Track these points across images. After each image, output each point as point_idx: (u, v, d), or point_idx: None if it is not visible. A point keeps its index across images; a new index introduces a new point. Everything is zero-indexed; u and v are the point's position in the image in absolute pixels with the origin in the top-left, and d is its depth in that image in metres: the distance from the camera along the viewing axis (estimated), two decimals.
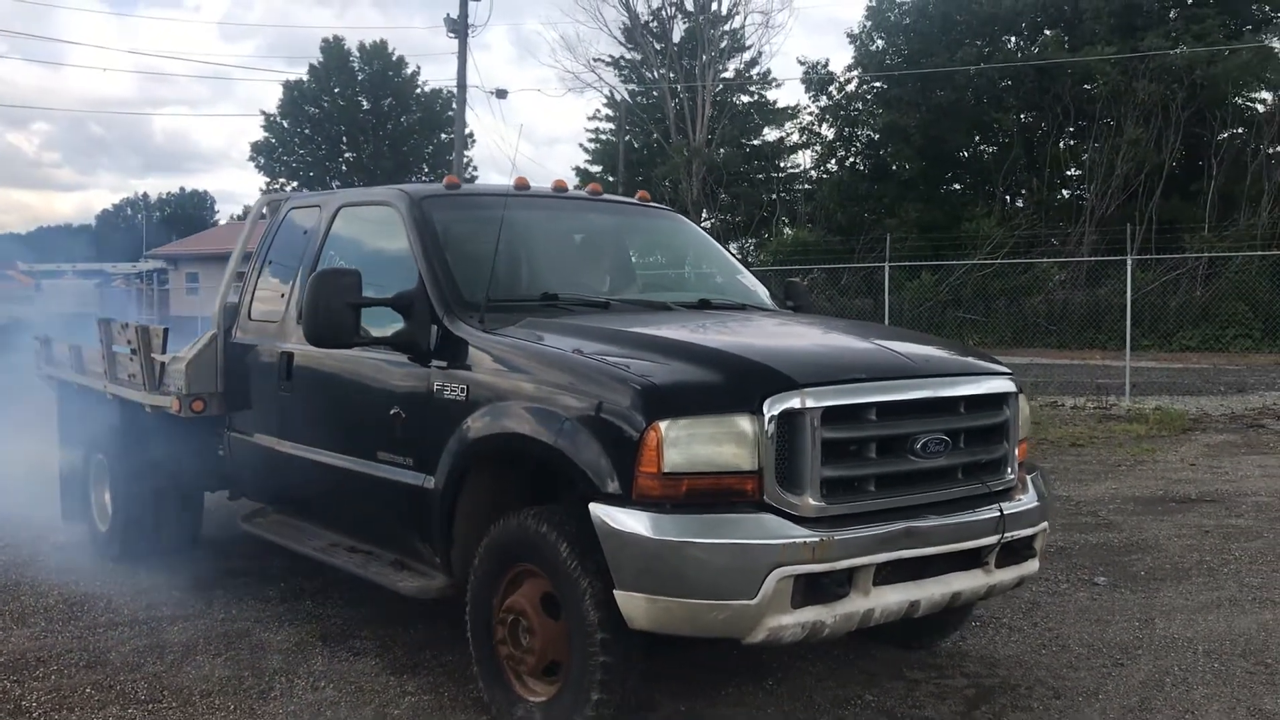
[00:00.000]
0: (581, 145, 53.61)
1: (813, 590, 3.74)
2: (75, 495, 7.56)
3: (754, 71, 47.17)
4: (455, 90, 33.15)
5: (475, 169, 66.45)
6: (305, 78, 67.66)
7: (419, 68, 70.89)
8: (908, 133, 38.98)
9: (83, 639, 5.37)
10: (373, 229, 5.64)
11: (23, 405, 9.47)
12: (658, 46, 46.22)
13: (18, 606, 5.92)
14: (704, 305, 5.46)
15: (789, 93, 74.75)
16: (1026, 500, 4.42)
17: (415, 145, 69.53)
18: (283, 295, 5.92)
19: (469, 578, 4.41)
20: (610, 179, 49.07)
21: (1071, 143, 38.13)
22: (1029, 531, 4.35)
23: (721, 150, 44.47)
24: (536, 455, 4.21)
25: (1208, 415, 14.40)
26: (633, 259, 6.44)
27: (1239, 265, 27.32)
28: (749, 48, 46.59)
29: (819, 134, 44.71)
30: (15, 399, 9.83)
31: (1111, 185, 33.56)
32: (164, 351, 6.52)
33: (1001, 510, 4.19)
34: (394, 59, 68.84)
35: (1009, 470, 4.39)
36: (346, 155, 68.97)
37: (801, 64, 43.29)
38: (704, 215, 44.10)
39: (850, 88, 42.70)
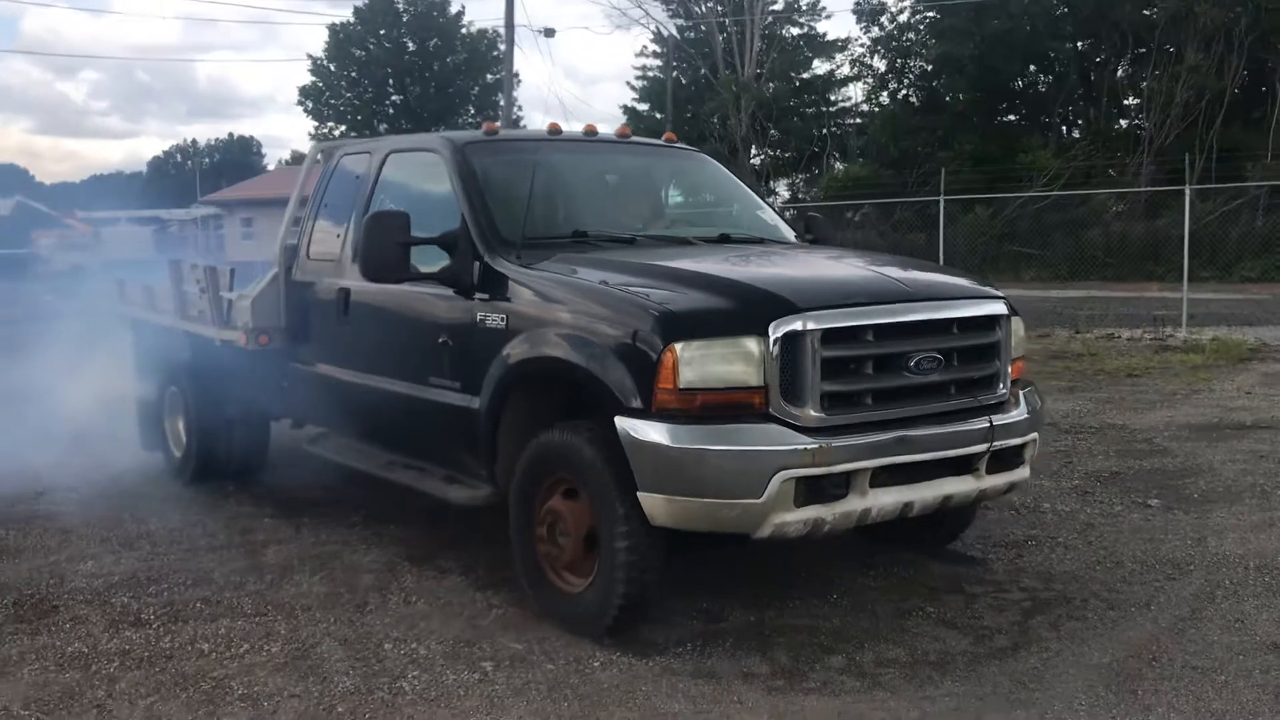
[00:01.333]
0: (628, 83, 53.23)
1: (814, 491, 4.23)
2: (152, 426, 8.08)
3: (803, 2, 46.54)
4: (501, 30, 33.18)
5: (521, 109, 66.41)
6: (351, 20, 67.72)
7: (464, 7, 70.81)
8: (961, 63, 38.43)
9: (186, 561, 5.74)
10: (419, 173, 6.04)
11: (95, 348, 9.77)
12: None
13: (122, 533, 6.30)
14: (724, 239, 5.87)
15: (839, 24, 74.06)
16: (1016, 413, 4.86)
17: (461, 87, 69.47)
18: (338, 236, 6.34)
19: (511, 487, 4.92)
20: (658, 116, 48.85)
21: (1130, 70, 37.39)
22: (1018, 441, 4.81)
23: (771, 85, 44.09)
24: (569, 376, 4.67)
25: (1266, 345, 14.33)
26: (661, 196, 6.87)
27: None
28: None
29: (870, 66, 44.20)
30: (87, 342, 10.15)
31: (1171, 114, 32.94)
32: (231, 290, 7.00)
33: (991, 422, 4.66)
34: None
35: (1000, 386, 4.82)
36: (393, 98, 69.10)
37: None
38: (753, 151, 43.90)
39: (902, 18, 42.10)
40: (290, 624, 4.81)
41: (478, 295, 5.12)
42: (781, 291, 4.41)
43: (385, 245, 5.15)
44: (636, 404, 4.28)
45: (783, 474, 4.13)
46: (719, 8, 44.94)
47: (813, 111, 45.90)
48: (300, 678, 4.24)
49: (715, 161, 7.16)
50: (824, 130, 43.52)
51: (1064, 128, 40.71)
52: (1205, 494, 6.86)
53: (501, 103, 64.82)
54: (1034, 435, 4.99)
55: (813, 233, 6.53)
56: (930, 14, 40.59)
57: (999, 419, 4.70)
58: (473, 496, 5.29)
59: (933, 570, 5.45)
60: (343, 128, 69.07)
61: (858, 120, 44.81)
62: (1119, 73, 37.64)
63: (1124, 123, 38.58)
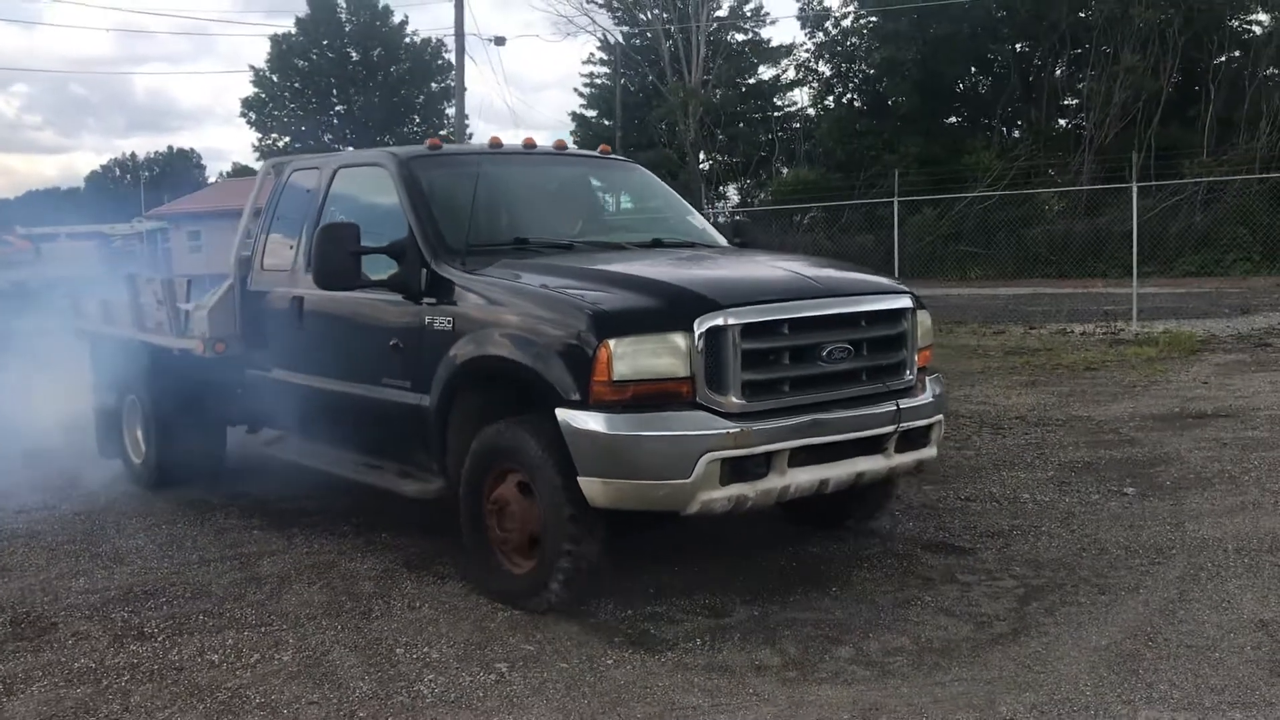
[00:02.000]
0: (576, 90, 53.35)
1: (737, 471, 4.63)
2: (111, 434, 8.28)
3: (748, 9, 46.92)
4: (444, 39, 33.07)
5: (468, 118, 66.14)
6: (293, 30, 67.14)
7: (407, 16, 70.45)
8: (904, 67, 38.92)
9: (181, 574, 5.70)
10: (367, 187, 6.37)
11: (52, 365, 9.70)
12: None
13: (110, 548, 6.24)
14: (656, 244, 6.29)
15: (784, 30, 74.59)
16: (923, 398, 5.29)
17: (406, 96, 69.07)
18: (291, 247, 6.65)
19: (460, 479, 5.27)
20: (607, 123, 48.99)
21: (1068, 72, 38.13)
22: (923, 423, 5.25)
23: (718, 91, 44.38)
24: (512, 373, 5.02)
25: (1215, 337, 14.72)
26: (597, 204, 7.24)
27: (1238, 189, 27.55)
28: None
29: (816, 71, 44.64)
30: (43, 360, 10.05)
31: (1109, 114, 33.61)
32: (187, 301, 7.29)
33: (898, 405, 5.09)
34: (380, 8, 68.23)
35: (907, 373, 5.26)
36: (338, 108, 68.57)
37: (796, 1, 43.09)
38: (702, 157, 44.14)
39: (846, 23, 42.56)
40: (298, 633, 4.81)
41: (425, 300, 5.46)
42: (705, 291, 4.81)
43: (337, 255, 5.48)
44: (575, 396, 4.64)
45: (708, 456, 4.53)
46: (664, 15, 45.15)
47: (760, 117, 46.21)
48: (316, 685, 4.25)
49: (648, 171, 7.53)
50: (771, 135, 43.89)
51: (1005, 129, 41.35)
52: (1177, 481, 7.06)
53: (450, 111, 64.70)
54: (939, 418, 5.41)
55: (741, 236, 7.10)
56: (873, 19, 41.09)
57: (906, 403, 5.13)
58: (424, 489, 5.63)
59: (925, 561, 5.58)
60: (286, 139, 68.39)
61: (802, 125, 45.22)
62: (1058, 73, 38.35)
63: (1064, 123, 39.31)
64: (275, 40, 67.12)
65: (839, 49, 43.05)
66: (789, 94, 46.71)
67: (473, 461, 5.17)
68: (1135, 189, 17.75)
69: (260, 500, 7.24)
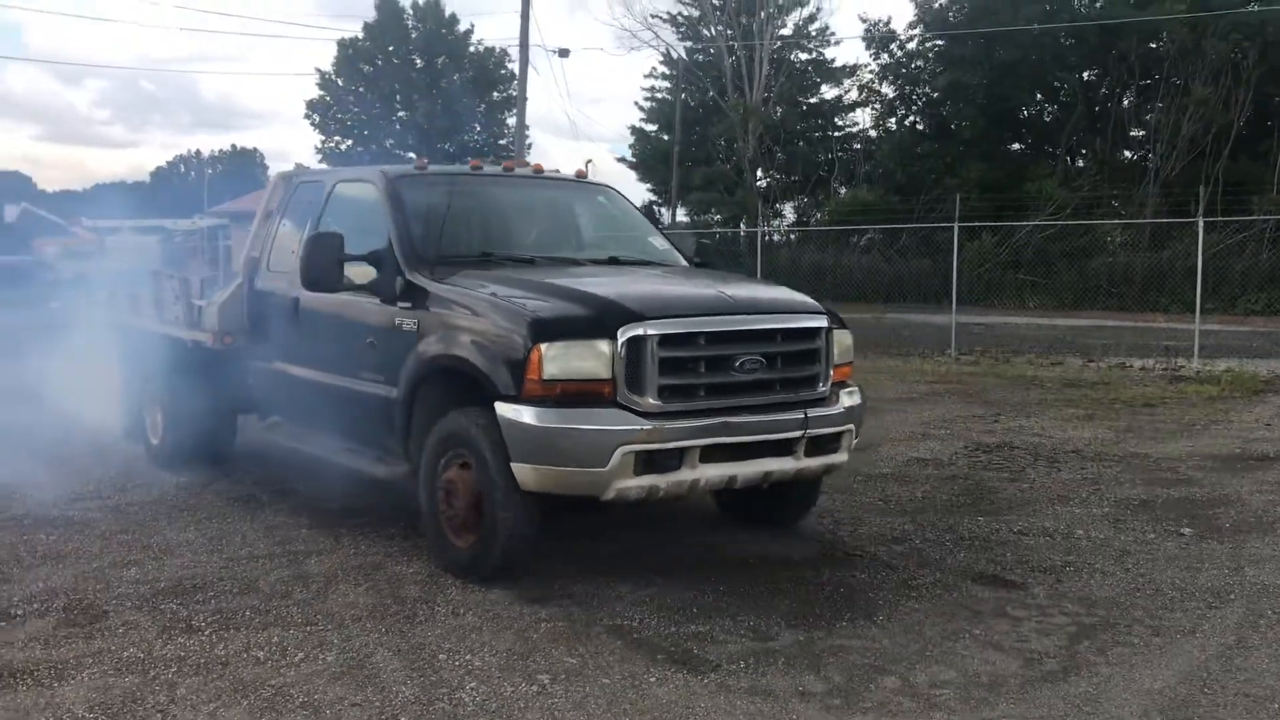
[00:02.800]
0: (637, 104, 53.54)
1: (650, 463, 5.17)
2: (134, 418, 8.90)
3: (813, 28, 46.83)
4: (509, 49, 33.30)
5: (527, 129, 66.58)
6: (360, 35, 68.00)
7: (473, 25, 71.02)
8: (969, 91, 38.70)
9: (230, 569, 5.76)
10: (360, 200, 6.98)
11: (105, 355, 9.84)
12: (716, 2, 45.96)
13: (161, 540, 6.32)
14: (612, 261, 6.84)
15: (848, 50, 74.41)
16: (833, 409, 5.81)
17: (468, 105, 69.63)
18: (293, 252, 7.04)
19: (420, 463, 5.82)
20: (665, 138, 49.07)
21: (1136, 102, 37.64)
22: (832, 430, 5.74)
23: (779, 109, 44.30)
24: (463, 370, 5.60)
25: (1279, 377, 14.41)
26: (566, 224, 7.66)
27: None
28: (807, 3, 46.22)
29: (879, 92, 44.43)
30: (96, 350, 10.21)
31: (1177, 146, 33.14)
32: (201, 297, 8.00)
33: (806, 414, 5.58)
34: (447, 16, 68.94)
35: (820, 385, 5.78)
36: (400, 114, 69.27)
37: (863, 21, 43.05)
38: (759, 174, 44.08)
39: (911, 46, 42.35)
40: (342, 634, 4.83)
41: (400, 304, 6.06)
42: (629, 304, 5.36)
43: (322, 261, 6.16)
44: (511, 392, 5.24)
45: (623, 448, 5.08)
46: (728, 31, 45.19)
47: (819, 136, 46.11)
48: (359, 687, 4.26)
49: (621, 195, 8.02)
50: (831, 155, 43.74)
51: (1069, 158, 40.93)
52: (1237, 524, 6.89)
53: (510, 121, 65.18)
54: (849, 427, 5.89)
55: (700, 256, 7.73)
56: (939, 43, 40.88)
57: (814, 412, 5.63)
58: (393, 472, 6.26)
59: (975, 594, 5.49)
60: (349, 142, 69.25)
61: (860, 146, 45.02)
62: (1125, 104, 37.88)
63: (1129, 154, 38.83)
64: (342, 45, 67.98)
65: (903, 71, 42.87)
66: (850, 114, 46.55)
67: (430, 448, 5.76)
68: (1201, 224, 17.44)
69: (309, 499, 7.30)
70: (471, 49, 69.44)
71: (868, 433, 10.04)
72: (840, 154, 43.98)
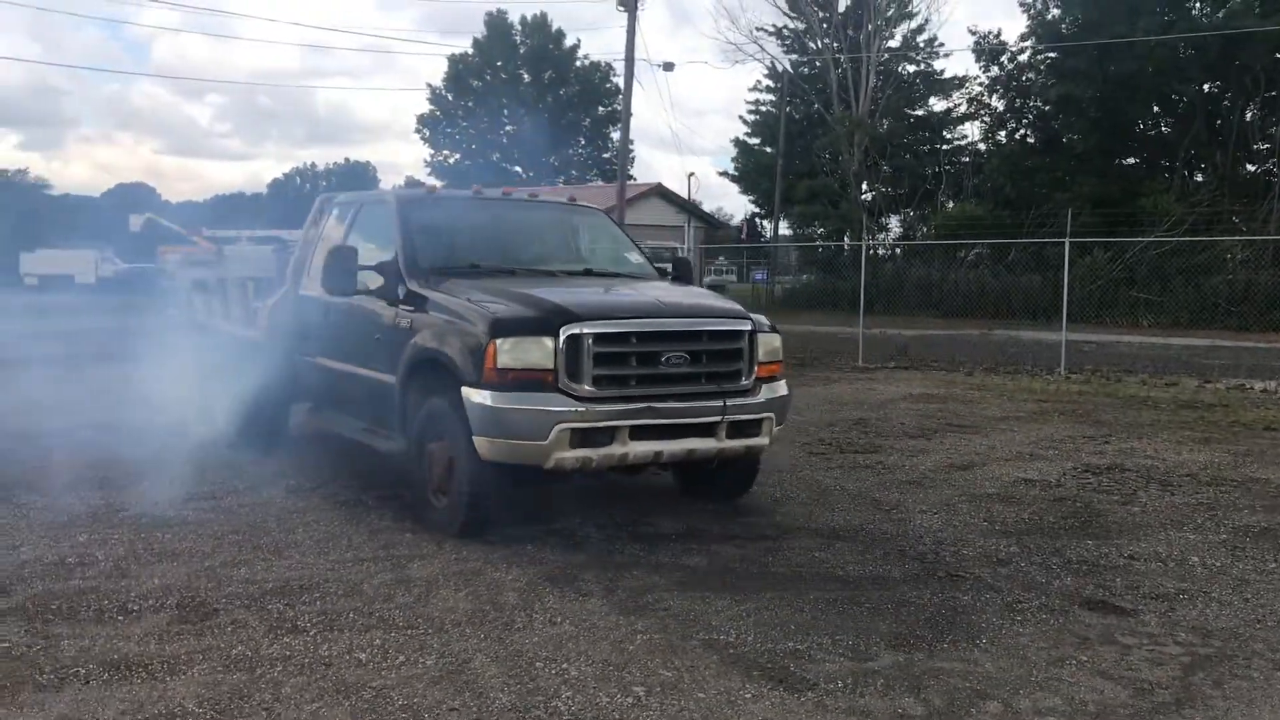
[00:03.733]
0: (741, 117, 53.42)
1: (584, 439, 6.20)
2: (208, 406, 9.89)
3: (920, 40, 46.28)
4: (614, 63, 33.52)
5: (632, 142, 66.86)
6: (469, 51, 69.20)
7: (579, 40, 71.72)
8: (1082, 104, 37.75)
9: (335, 571, 5.89)
10: (380, 219, 8.09)
11: (217, 360, 10.15)
12: (822, 15, 45.73)
13: (270, 541, 6.49)
14: (586, 272, 7.93)
15: (956, 62, 73.35)
16: (753, 399, 6.77)
17: (573, 119, 70.35)
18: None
19: (412, 438, 6.96)
20: (769, 150, 48.92)
21: (1260, 115, 36.28)
22: (750, 417, 6.71)
23: (885, 121, 43.82)
24: (440, 361, 6.62)
25: None
26: (553, 241, 8.60)
27: None
28: (915, 15, 45.72)
29: (988, 105, 43.62)
30: (208, 354, 10.55)
31: None
32: (255, 300, 9.34)
33: (725, 402, 6.56)
34: (553, 31, 69.75)
35: (742, 379, 6.75)
36: (507, 128, 70.27)
37: (972, 34, 42.27)
38: (864, 187, 43.62)
39: (1023, 58, 41.52)
40: (441, 639, 4.90)
41: (401, 307, 7.15)
42: (571, 308, 6.39)
43: (339, 269, 7.42)
44: (474, 378, 6.27)
45: (560, 425, 6.11)
46: (835, 44, 44.89)
47: (926, 149, 45.46)
48: (457, 692, 4.32)
49: (607, 217, 9.31)
50: (938, 168, 43.07)
51: (1187, 172, 39.66)
52: None
53: (615, 135, 65.65)
54: (769, 415, 6.85)
55: (676, 270, 8.48)
56: (1051, 55, 39.98)
57: (733, 401, 6.62)
58: (393, 447, 7.32)
59: (1083, 619, 5.33)
60: (457, 156, 70.51)
61: (968, 159, 44.24)
62: (1248, 117, 36.56)
63: (1252, 168, 37.44)
64: (452, 60, 69.34)
65: (1014, 84, 42.01)
66: (959, 127, 45.82)
67: (418, 426, 6.88)
68: None
69: (411, 504, 7.40)
70: (577, 63, 70.23)
71: (972, 451, 9.88)
72: (948, 167, 43.25)
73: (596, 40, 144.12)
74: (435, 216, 8.09)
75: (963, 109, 45.23)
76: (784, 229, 49.27)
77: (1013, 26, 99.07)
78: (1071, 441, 10.58)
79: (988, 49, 41.81)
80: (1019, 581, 5.93)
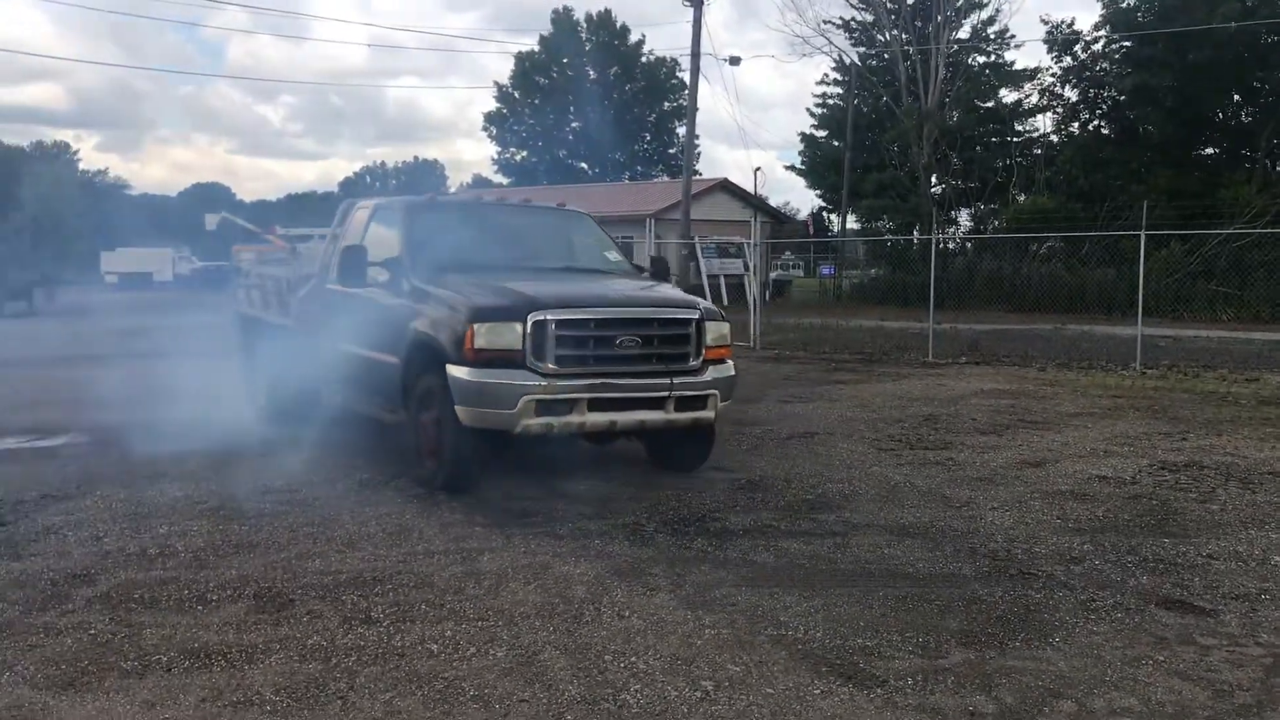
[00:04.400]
0: (808, 110, 53.10)
1: (548, 408, 7.29)
2: (251, 385, 11.26)
3: (990, 30, 45.56)
4: (679, 58, 33.48)
5: (698, 137, 66.74)
6: (536, 48, 69.55)
7: (644, 36, 71.76)
8: (1158, 94, 36.87)
9: (407, 564, 5.98)
10: (391, 221, 9.10)
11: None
12: (890, 6, 45.24)
13: (344, 534, 6.61)
14: (566, 269, 8.88)
15: (1028, 53, 71.96)
16: (698, 378, 7.78)
17: (639, 114, 70.40)
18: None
19: (410, 411, 8.04)
20: (836, 144, 48.54)
21: None
22: (695, 393, 7.73)
23: (955, 113, 43.23)
24: (431, 343, 7.69)
25: None
26: (539, 242, 9.47)
27: None
28: (985, 5, 45.01)
29: (1061, 96, 42.84)
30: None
31: None
32: (291, 293, 10.30)
33: (672, 379, 7.60)
34: (619, 27, 69.85)
35: (690, 361, 7.78)
36: (574, 125, 70.53)
37: (1044, 23, 41.62)
38: (934, 180, 43.09)
39: (1097, 47, 40.70)
40: (511, 631, 4.95)
41: (403, 297, 8.19)
42: (539, 298, 7.42)
43: (352, 265, 8.57)
44: (456, 358, 7.35)
45: (526, 397, 7.20)
46: (903, 36, 44.38)
47: (997, 141, 44.78)
48: (527, 683, 4.36)
49: (590, 219, 10.10)
50: (1009, 160, 42.40)
51: (1269, 162, 38.59)
52: None
53: (680, 130, 65.53)
54: (714, 392, 7.85)
55: (652, 268, 9.59)
56: (1126, 44, 39.14)
57: (680, 379, 7.64)
58: (397, 419, 8.40)
59: (1160, 619, 5.23)
60: (524, 153, 70.93)
61: (1040, 151, 43.46)
62: None
63: None
64: (519, 57, 69.73)
65: (1087, 74, 41.20)
66: (1031, 119, 45.04)
67: (415, 399, 7.95)
68: None
69: (482, 499, 7.51)
70: (643, 59, 70.25)
71: (1045, 448, 9.74)
72: (1019, 159, 42.58)
73: (661, 35, 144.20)
74: (437, 220, 9.20)
75: (1034, 100, 44.48)
76: (851, 223, 48.87)
77: (1086, 16, 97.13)
78: (1147, 438, 10.38)
79: (1061, 39, 41.06)
80: (1093, 580, 5.84)
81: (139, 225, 65.58)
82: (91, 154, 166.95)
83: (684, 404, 7.67)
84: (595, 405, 7.36)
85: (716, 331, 7.99)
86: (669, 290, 8.71)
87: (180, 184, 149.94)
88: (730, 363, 8.19)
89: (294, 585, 5.58)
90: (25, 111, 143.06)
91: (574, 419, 7.36)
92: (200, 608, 5.25)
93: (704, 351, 7.85)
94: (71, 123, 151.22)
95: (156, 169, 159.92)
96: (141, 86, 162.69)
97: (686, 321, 7.81)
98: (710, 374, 7.85)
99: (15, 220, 38.32)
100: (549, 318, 7.26)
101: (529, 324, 7.23)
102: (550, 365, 7.26)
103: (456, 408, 7.30)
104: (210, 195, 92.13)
